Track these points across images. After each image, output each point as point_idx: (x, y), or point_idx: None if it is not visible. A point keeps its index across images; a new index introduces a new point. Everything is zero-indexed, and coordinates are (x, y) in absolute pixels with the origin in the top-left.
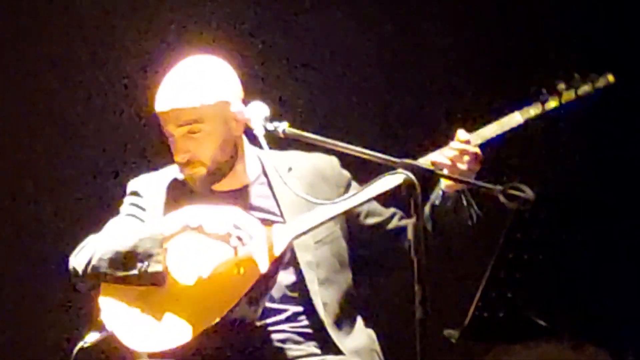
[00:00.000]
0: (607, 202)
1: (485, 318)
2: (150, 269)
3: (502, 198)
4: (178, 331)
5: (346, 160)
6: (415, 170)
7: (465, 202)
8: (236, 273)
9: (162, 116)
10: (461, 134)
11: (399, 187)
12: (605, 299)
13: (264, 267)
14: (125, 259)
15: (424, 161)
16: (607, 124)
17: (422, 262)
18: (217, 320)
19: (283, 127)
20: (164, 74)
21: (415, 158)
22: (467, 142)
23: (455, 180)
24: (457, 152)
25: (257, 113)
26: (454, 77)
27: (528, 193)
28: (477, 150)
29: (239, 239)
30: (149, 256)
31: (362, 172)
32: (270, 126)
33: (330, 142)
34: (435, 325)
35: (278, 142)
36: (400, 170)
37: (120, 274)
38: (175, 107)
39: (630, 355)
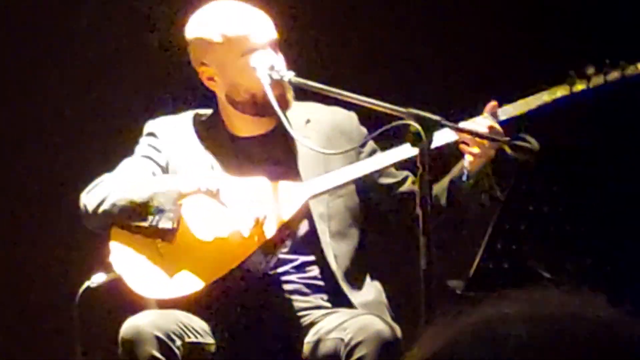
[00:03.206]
0: (611, 152)
1: (490, 269)
2: (160, 224)
3: (508, 149)
4: (188, 281)
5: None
6: (422, 120)
7: (487, 185)
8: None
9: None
10: (487, 108)
11: (406, 137)
12: (608, 249)
13: (271, 232)
14: (138, 210)
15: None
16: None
17: (427, 214)
18: (228, 270)
19: (289, 76)
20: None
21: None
22: (492, 116)
23: (463, 131)
24: (478, 125)
25: (263, 62)
26: (481, 46)
27: (533, 144)
28: (497, 126)
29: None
30: (161, 211)
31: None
32: (276, 75)
33: (336, 92)
34: (439, 276)
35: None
36: (407, 119)
37: (131, 223)
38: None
39: (628, 304)
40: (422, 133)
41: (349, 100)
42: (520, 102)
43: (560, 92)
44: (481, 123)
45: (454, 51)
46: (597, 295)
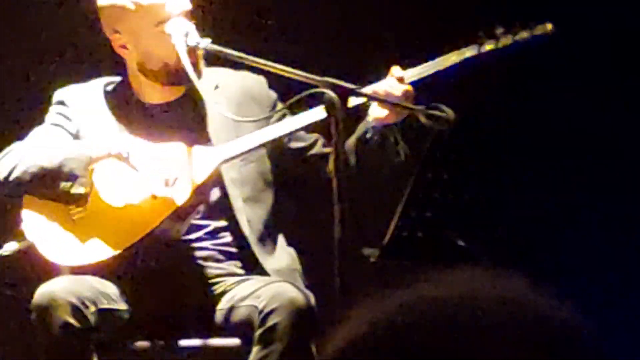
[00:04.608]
0: (525, 121)
1: (404, 237)
2: (73, 190)
3: (422, 118)
4: (100, 247)
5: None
6: (336, 88)
7: (393, 140)
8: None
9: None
10: (395, 70)
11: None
12: (523, 218)
13: (184, 198)
14: (50, 176)
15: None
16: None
17: (341, 182)
18: (141, 237)
19: (205, 43)
20: None
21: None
22: (401, 78)
23: (376, 100)
24: (389, 87)
25: (179, 28)
26: (394, 10)
27: (448, 113)
28: (409, 87)
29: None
30: (73, 177)
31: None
32: (192, 42)
33: (251, 59)
34: (354, 244)
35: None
36: (321, 88)
37: (43, 189)
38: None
39: (545, 283)
40: (337, 101)
41: (264, 68)
42: (429, 63)
43: (468, 52)
44: (394, 87)
45: (359, 14)
46: (517, 276)
